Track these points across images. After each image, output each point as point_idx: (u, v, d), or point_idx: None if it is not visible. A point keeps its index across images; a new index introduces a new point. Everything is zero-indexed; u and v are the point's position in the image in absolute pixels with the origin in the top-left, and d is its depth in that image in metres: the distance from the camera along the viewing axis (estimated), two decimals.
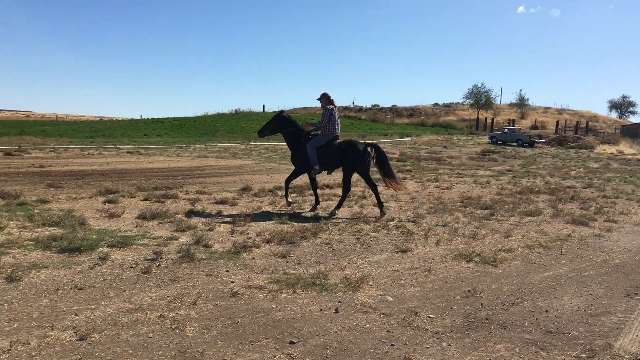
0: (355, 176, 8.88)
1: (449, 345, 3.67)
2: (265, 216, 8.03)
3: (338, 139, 8.86)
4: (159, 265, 5.23)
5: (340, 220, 7.92)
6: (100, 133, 38.22)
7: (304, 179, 10.03)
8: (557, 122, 57.04)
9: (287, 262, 5.59)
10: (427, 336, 3.81)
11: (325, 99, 8.93)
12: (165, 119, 57.10)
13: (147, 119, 58.17)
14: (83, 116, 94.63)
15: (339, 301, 4.44)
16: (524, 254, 6.35)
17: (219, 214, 8.07)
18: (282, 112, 9.31)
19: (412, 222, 7.93)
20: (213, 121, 54.10)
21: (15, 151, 20.43)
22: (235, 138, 37.64)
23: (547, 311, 4.42)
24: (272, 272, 5.19)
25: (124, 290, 4.49)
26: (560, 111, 75.87)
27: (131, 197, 9.52)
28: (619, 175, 18.05)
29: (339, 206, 8.59)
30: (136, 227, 6.98)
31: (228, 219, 7.63)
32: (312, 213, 8.51)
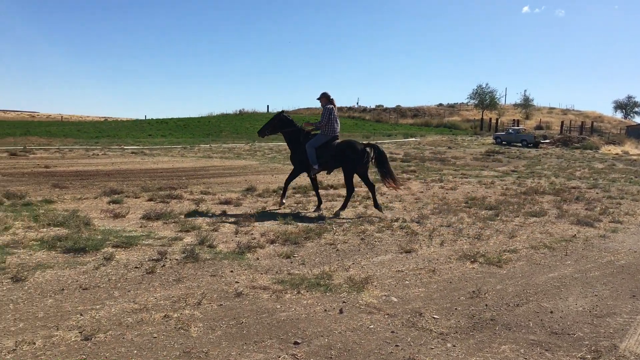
0: (356, 177, 8.87)
1: (454, 346, 3.67)
2: (270, 216, 8.03)
3: (337, 138, 8.85)
4: (164, 265, 5.24)
5: (344, 221, 7.91)
6: (105, 133, 38.31)
7: (308, 179, 10.02)
8: (562, 122, 56.81)
9: (291, 262, 5.59)
10: (431, 337, 3.80)
11: (325, 98, 8.92)
12: (169, 119, 57.17)
13: (152, 119, 58.22)
14: (88, 117, 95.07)
15: (344, 302, 4.44)
16: (528, 254, 6.33)
17: (223, 214, 8.08)
18: (282, 111, 9.32)
19: (417, 222, 7.92)
20: (217, 122, 54.14)
21: (21, 151, 20.51)
22: (240, 138, 37.66)
23: (552, 312, 4.41)
24: (277, 272, 5.20)
25: (129, 291, 4.50)
26: (565, 111, 75.57)
27: (136, 198, 9.55)
28: (624, 175, 17.97)
29: (343, 207, 8.59)
30: (141, 227, 7.00)
31: (232, 220, 7.63)
32: (317, 213, 8.51)
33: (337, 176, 10.73)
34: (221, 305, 4.26)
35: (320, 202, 8.96)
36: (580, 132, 51.96)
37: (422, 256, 6.05)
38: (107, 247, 5.77)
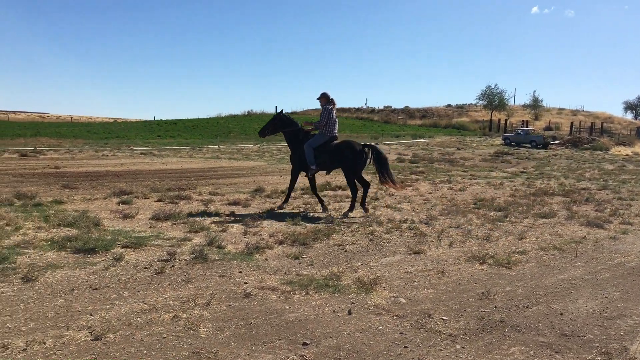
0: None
1: (463, 347, 3.65)
2: (278, 217, 8.05)
3: (336, 139, 8.87)
4: (173, 266, 5.27)
5: (352, 222, 7.91)
6: (114, 134, 38.54)
7: (319, 180, 10.02)
8: (572, 123, 56.44)
9: (299, 263, 5.60)
10: (440, 338, 3.79)
11: (324, 98, 8.92)
12: (178, 120, 57.38)
13: (161, 120, 58.42)
14: (97, 118, 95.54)
15: (352, 303, 4.44)
16: (538, 256, 6.30)
17: (232, 215, 8.11)
18: (281, 111, 9.34)
19: (425, 223, 7.90)
20: (226, 123, 54.25)
21: (31, 152, 20.70)
22: (248, 139, 37.75)
23: (562, 314, 4.38)
24: (285, 273, 5.20)
25: (138, 291, 4.52)
26: (575, 112, 75.07)
27: (145, 198, 9.60)
28: (634, 177, 17.82)
29: (351, 209, 8.60)
30: (150, 227, 7.03)
31: (241, 220, 7.65)
32: (325, 214, 8.52)
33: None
34: (230, 305, 4.27)
35: (322, 202, 8.98)
36: (590, 133, 51.62)
37: (430, 257, 6.03)
38: (117, 248, 5.80)
